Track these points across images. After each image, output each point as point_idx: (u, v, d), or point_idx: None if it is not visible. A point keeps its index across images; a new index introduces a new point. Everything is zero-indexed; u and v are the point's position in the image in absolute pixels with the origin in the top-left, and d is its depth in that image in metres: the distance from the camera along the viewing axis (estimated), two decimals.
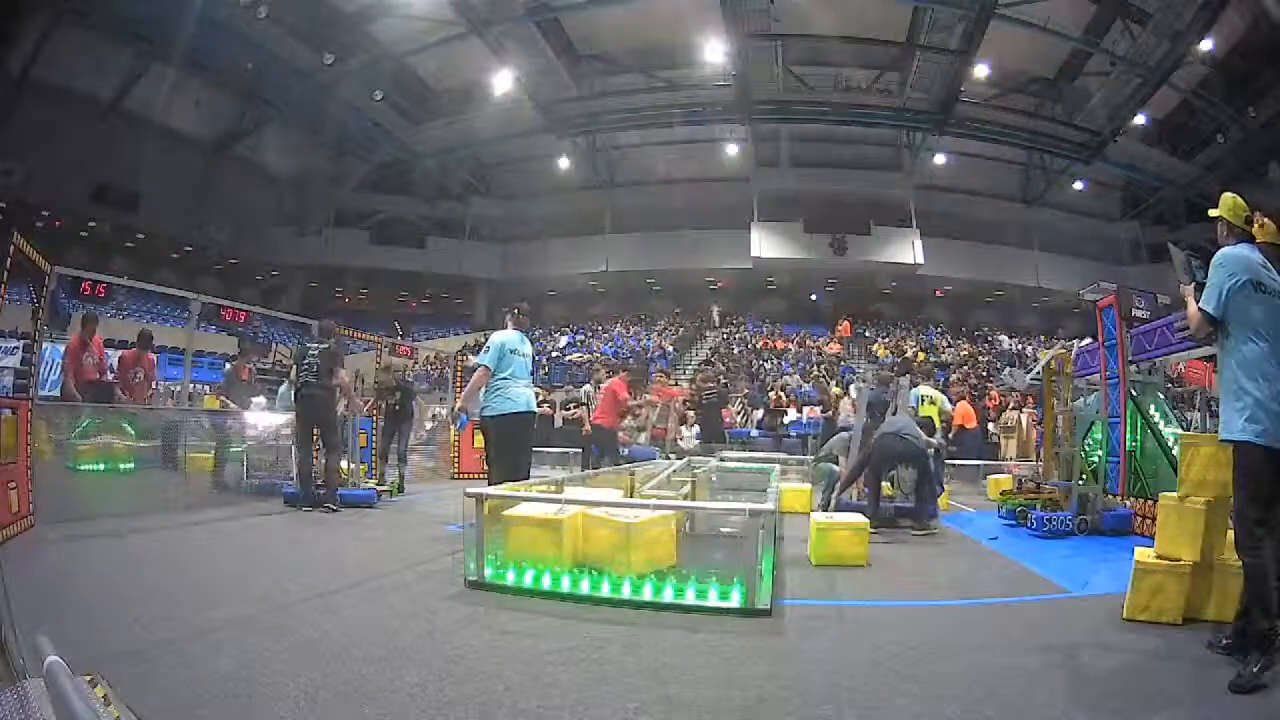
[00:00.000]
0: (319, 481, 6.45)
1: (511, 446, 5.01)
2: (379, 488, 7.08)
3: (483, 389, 5.01)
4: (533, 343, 5.63)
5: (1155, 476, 6.19)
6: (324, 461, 6.54)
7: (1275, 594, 2.43)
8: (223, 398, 8.10)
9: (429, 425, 12.96)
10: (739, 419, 13.71)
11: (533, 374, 5.43)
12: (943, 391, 8.84)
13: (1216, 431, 2.81)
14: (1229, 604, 3.03)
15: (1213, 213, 2.88)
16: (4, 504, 4.22)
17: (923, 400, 7.62)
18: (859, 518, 4.76)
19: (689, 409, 11.37)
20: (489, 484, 4.68)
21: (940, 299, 29.08)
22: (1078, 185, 26.08)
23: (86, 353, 7.01)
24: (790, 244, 26.16)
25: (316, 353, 6.48)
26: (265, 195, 27.54)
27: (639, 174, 28.13)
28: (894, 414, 6.73)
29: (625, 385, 8.24)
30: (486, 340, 5.25)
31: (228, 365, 8.57)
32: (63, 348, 8.28)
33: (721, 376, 13.63)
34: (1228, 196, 2.84)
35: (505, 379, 4.96)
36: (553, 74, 21.84)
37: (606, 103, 23.26)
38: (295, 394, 6.60)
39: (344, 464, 6.95)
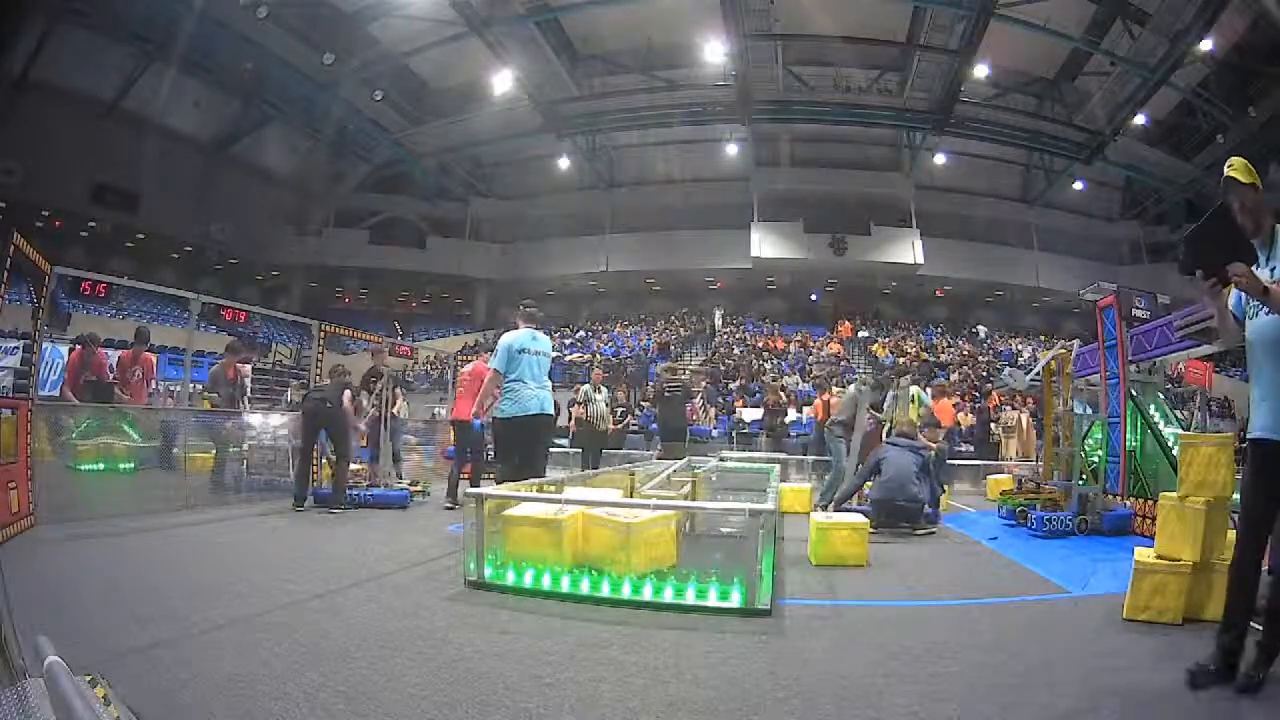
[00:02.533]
0: (330, 483, 6.55)
1: (520, 449, 4.92)
2: (411, 488, 7.08)
3: (497, 392, 4.96)
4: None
5: (1155, 476, 6.19)
6: (335, 465, 6.60)
7: None
8: (211, 396, 8.05)
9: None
10: (699, 416, 13.39)
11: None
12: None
13: (1220, 431, 2.79)
14: None
15: (1238, 175, 2.31)
16: (4, 504, 4.22)
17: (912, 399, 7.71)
18: (859, 518, 4.77)
19: (646, 402, 10.53)
20: (495, 483, 4.67)
21: (940, 299, 29.10)
22: (1078, 185, 26.10)
23: (85, 372, 7.09)
24: (790, 244, 26.16)
25: (328, 383, 6.75)
26: (265, 195, 27.54)
27: (639, 174, 28.14)
28: (890, 430, 6.78)
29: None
30: (497, 343, 5.19)
31: (213, 366, 8.52)
32: (64, 350, 8.30)
33: (685, 370, 12.72)
34: (1240, 160, 2.37)
35: (514, 381, 4.88)
36: (553, 74, 21.84)
37: (606, 103, 23.26)
38: (302, 399, 6.81)
39: (362, 465, 7.01)
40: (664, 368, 11.74)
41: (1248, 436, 2.43)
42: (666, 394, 9.88)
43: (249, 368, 9.34)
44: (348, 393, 6.63)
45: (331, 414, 6.44)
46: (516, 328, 5.12)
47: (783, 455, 11.28)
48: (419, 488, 7.29)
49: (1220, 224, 2.30)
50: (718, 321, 25.85)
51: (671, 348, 22.78)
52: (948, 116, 21.77)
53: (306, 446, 6.49)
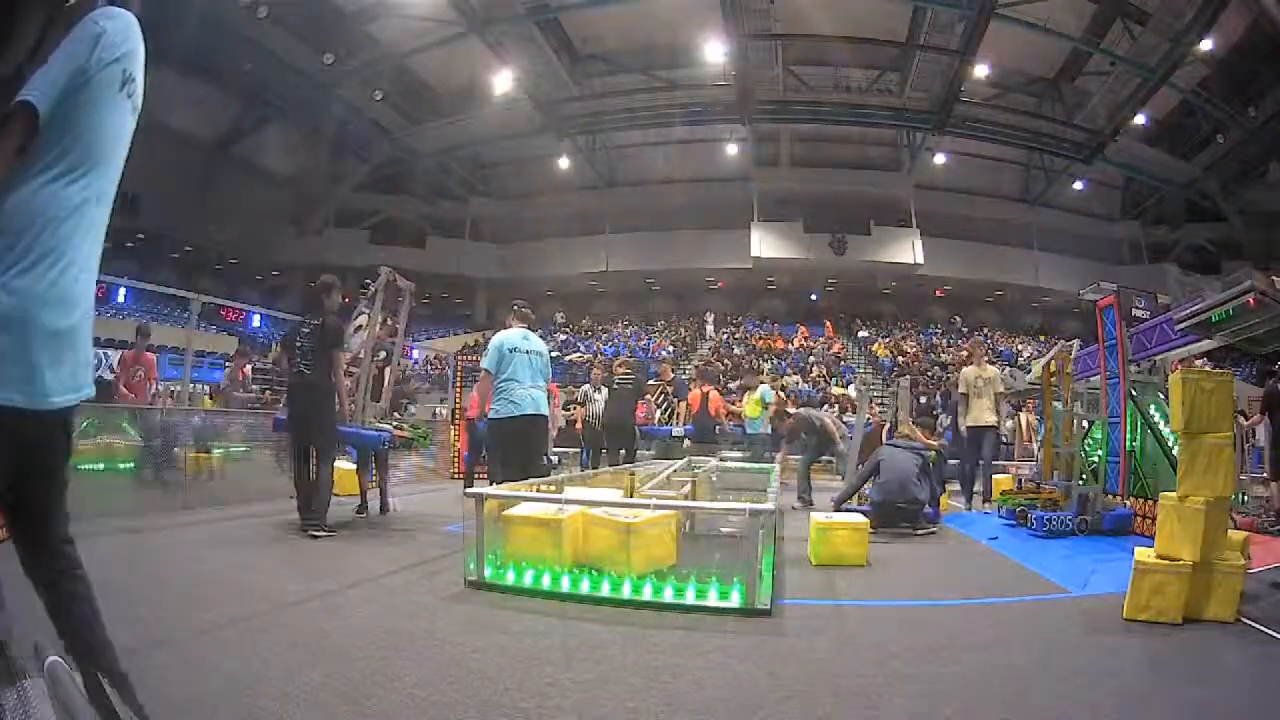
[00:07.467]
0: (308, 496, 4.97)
1: (513, 450, 4.89)
2: (396, 431, 6.07)
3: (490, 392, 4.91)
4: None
5: (1155, 476, 6.19)
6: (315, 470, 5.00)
7: None
8: (234, 393, 8.06)
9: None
10: (659, 415, 11.86)
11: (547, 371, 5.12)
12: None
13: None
14: (1229, 604, 3.04)
15: None
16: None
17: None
18: (859, 518, 4.77)
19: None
20: (492, 484, 4.65)
21: (940, 299, 29.10)
22: (1078, 185, 26.10)
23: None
24: (790, 244, 26.17)
25: (308, 331, 5.09)
26: (265, 195, 27.54)
27: (639, 174, 28.13)
28: (894, 426, 6.76)
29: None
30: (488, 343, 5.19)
31: (228, 365, 8.57)
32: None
33: (636, 366, 11.44)
34: None
35: (505, 381, 4.85)
36: (553, 74, 21.84)
37: (606, 103, 23.26)
38: (287, 388, 5.66)
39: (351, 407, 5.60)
40: (619, 362, 10.99)
41: None
42: (615, 386, 9.07)
43: (249, 368, 9.37)
44: (341, 356, 5.07)
45: (314, 407, 5.01)
46: (509, 326, 5.11)
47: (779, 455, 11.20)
48: (405, 431, 6.31)
49: None
50: (710, 328, 25.73)
51: (671, 350, 22.76)
52: (947, 116, 21.78)
53: (297, 454, 5.13)
